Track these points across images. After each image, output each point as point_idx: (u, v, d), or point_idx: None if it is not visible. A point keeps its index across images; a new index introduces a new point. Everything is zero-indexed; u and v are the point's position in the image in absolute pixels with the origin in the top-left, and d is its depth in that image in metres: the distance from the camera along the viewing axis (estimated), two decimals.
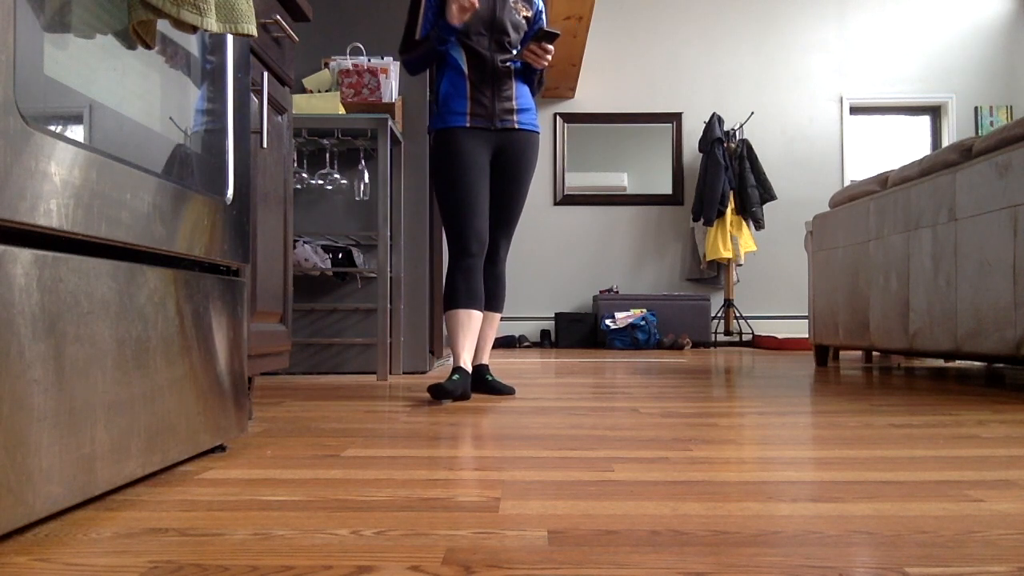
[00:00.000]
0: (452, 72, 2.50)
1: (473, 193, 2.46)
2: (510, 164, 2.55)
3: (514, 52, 2.53)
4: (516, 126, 2.53)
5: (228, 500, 1.08)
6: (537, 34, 2.38)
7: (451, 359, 4.63)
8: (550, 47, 2.41)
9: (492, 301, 2.62)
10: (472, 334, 2.45)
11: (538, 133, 2.60)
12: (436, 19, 2.43)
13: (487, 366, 2.61)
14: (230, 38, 1.44)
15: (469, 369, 2.43)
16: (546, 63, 2.44)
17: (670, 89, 7.08)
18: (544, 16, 2.63)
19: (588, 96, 7.07)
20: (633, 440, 1.59)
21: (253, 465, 1.34)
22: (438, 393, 2.27)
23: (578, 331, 6.56)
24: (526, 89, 2.58)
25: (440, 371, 3.75)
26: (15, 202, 0.85)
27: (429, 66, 2.53)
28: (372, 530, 0.92)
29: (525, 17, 2.54)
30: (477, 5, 2.30)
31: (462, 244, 2.45)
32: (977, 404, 2.28)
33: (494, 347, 6.54)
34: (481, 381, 2.54)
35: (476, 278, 2.46)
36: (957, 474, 1.25)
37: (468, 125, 2.48)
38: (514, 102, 2.53)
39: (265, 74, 1.75)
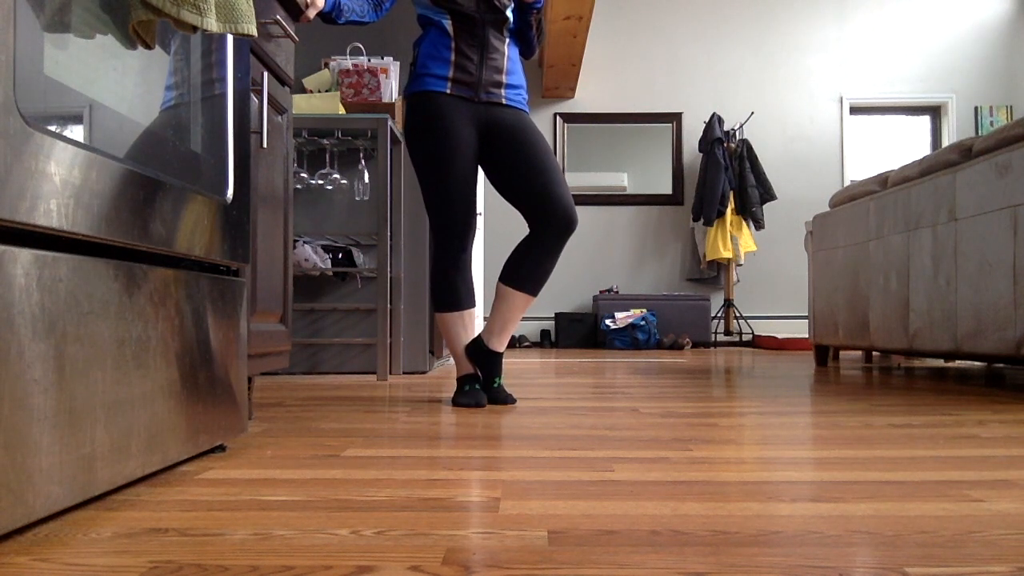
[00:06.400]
0: (435, 31, 2.19)
1: (463, 178, 2.20)
2: (513, 138, 2.22)
3: (508, 11, 2.21)
4: (504, 101, 2.23)
5: (228, 500, 1.08)
6: None
7: (450, 359, 4.63)
8: None
9: (543, 279, 2.27)
10: (473, 333, 2.33)
11: (528, 114, 2.31)
12: None
13: (501, 360, 2.31)
14: (230, 38, 1.44)
15: (478, 371, 2.30)
16: None
17: (670, 89, 7.08)
18: None
19: (588, 96, 7.07)
20: (633, 440, 1.59)
21: (253, 465, 1.34)
22: (462, 406, 2.21)
23: (578, 331, 6.56)
24: (519, 64, 2.29)
25: (441, 371, 3.75)
26: (15, 202, 0.85)
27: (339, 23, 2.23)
28: (372, 530, 0.92)
29: None
30: (310, 17, 2.08)
31: (459, 239, 2.23)
32: (977, 404, 2.28)
33: None
34: (487, 382, 2.31)
35: (471, 273, 2.31)
36: (957, 474, 1.25)
37: (448, 92, 2.18)
38: (504, 75, 2.23)
39: (265, 74, 1.75)
